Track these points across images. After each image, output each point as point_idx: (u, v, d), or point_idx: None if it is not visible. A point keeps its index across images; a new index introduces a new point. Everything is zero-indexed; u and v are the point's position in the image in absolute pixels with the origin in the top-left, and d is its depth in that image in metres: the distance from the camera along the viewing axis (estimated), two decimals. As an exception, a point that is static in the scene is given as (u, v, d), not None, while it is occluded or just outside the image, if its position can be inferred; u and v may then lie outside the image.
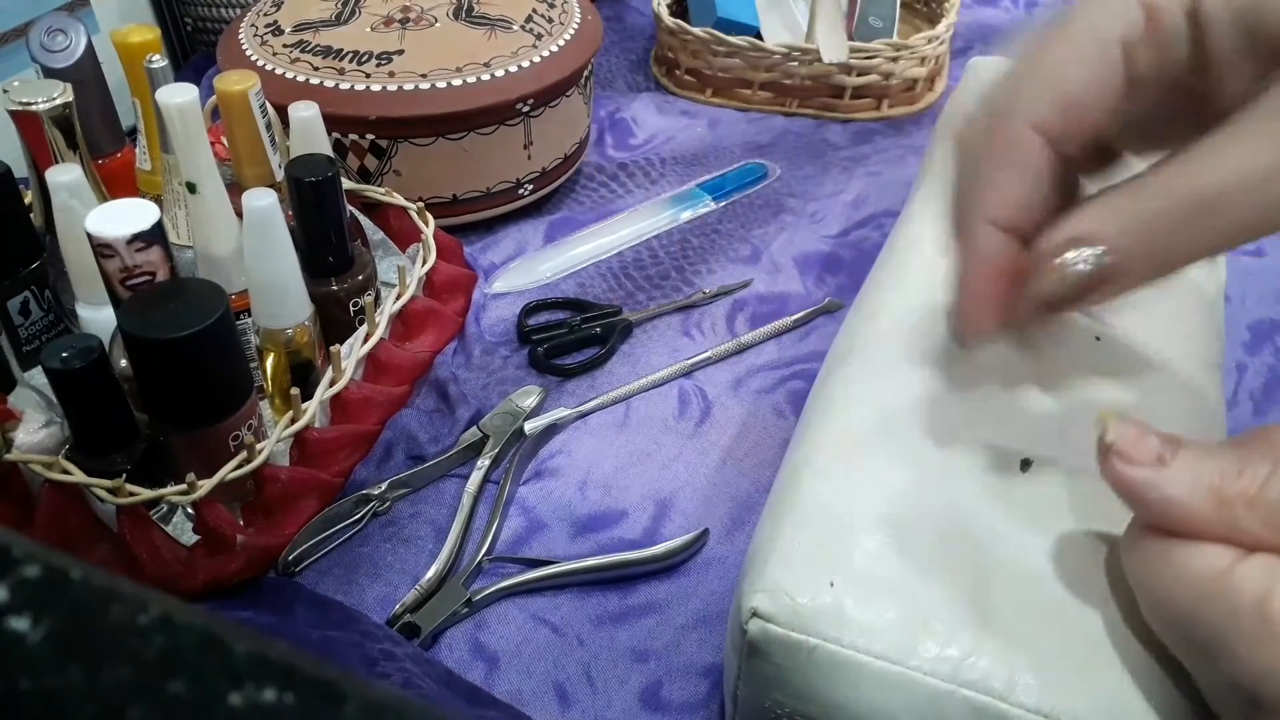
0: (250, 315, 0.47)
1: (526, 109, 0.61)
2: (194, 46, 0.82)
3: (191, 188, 0.44)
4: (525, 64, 0.60)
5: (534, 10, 0.65)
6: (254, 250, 0.44)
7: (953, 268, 0.32)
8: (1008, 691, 0.28)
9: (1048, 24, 0.29)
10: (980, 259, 0.30)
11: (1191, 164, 0.26)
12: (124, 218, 0.38)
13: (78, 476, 0.39)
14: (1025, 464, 0.33)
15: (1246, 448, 0.25)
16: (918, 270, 0.43)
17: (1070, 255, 0.27)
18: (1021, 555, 0.31)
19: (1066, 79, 0.28)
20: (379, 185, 0.60)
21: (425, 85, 0.58)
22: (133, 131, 0.54)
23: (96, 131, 0.54)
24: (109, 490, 0.39)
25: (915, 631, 0.29)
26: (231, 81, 0.47)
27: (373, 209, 0.59)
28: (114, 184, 0.51)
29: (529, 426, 0.50)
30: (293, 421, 0.44)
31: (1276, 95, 0.25)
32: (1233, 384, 0.53)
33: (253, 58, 0.61)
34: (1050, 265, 0.27)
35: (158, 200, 0.45)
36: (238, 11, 0.76)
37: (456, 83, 0.59)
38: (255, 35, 0.63)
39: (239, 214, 0.44)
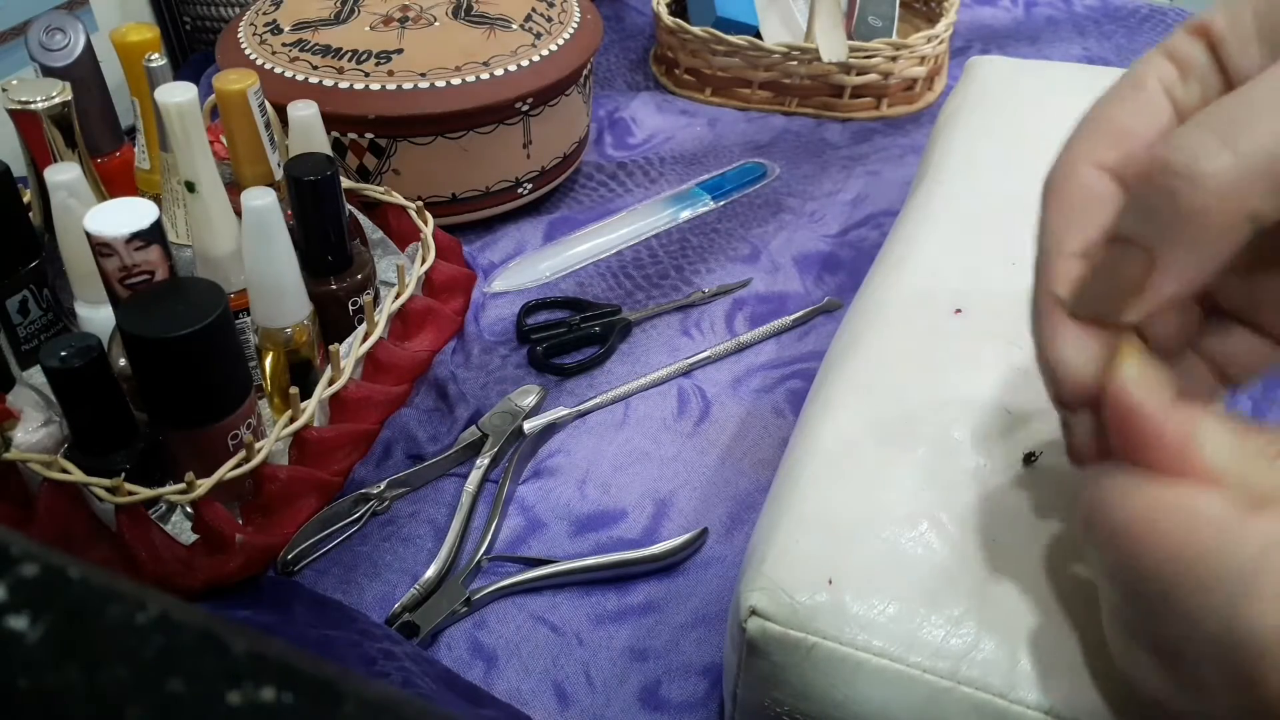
0: (249, 314, 0.47)
1: (526, 108, 0.61)
2: (193, 45, 0.82)
3: (190, 187, 0.44)
4: (524, 63, 0.60)
5: (533, 9, 0.65)
6: (253, 249, 0.44)
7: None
8: (1007, 688, 0.28)
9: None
10: (1062, 290, 0.27)
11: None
12: (123, 217, 0.38)
13: (76, 475, 0.39)
14: (1029, 458, 0.33)
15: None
16: (917, 269, 0.43)
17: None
18: (1021, 552, 0.31)
19: (1115, 118, 0.27)
20: (378, 184, 0.60)
21: (424, 84, 0.58)
22: (131, 130, 0.54)
23: (95, 130, 0.54)
24: (108, 489, 0.39)
25: (914, 629, 0.29)
26: (230, 80, 0.47)
27: (372, 208, 0.59)
28: (113, 183, 0.51)
29: (528, 426, 0.50)
30: (291, 421, 0.44)
31: None
32: (1232, 383, 0.53)
33: (252, 57, 0.61)
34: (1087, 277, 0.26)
35: (157, 199, 0.45)
36: (237, 10, 0.76)
37: (456, 82, 0.59)
38: (254, 34, 0.62)
39: (238, 213, 0.44)
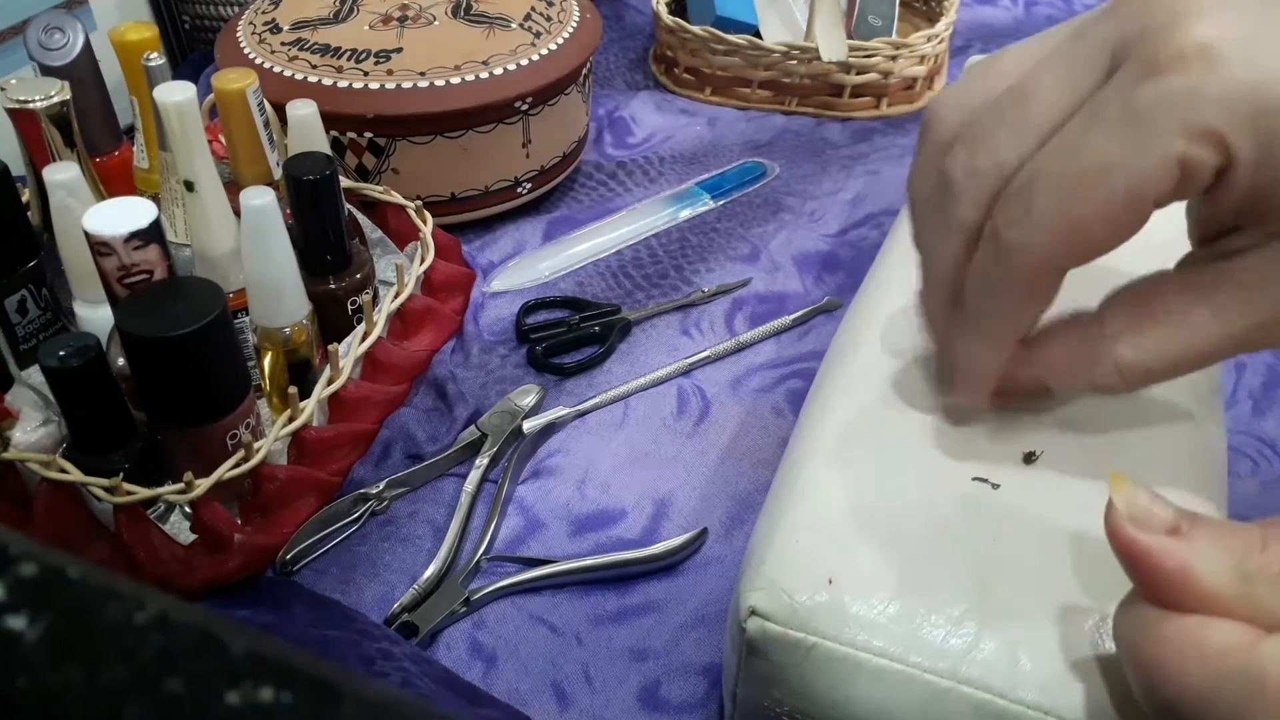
0: (248, 314, 0.47)
1: (525, 107, 0.61)
2: (192, 44, 0.82)
3: (189, 186, 0.44)
4: (524, 62, 0.60)
5: (533, 8, 0.65)
6: (252, 249, 0.44)
7: (939, 339, 0.35)
8: (1008, 688, 0.28)
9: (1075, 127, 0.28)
10: (993, 365, 0.32)
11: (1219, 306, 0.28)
12: (121, 216, 0.38)
13: (75, 475, 0.39)
14: (1029, 457, 0.33)
15: (1267, 528, 0.24)
16: (917, 269, 0.43)
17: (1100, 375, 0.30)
18: (1022, 551, 0.31)
19: (1092, 238, 0.27)
20: (377, 183, 0.60)
21: (423, 83, 0.58)
22: (130, 130, 0.54)
23: (94, 130, 0.54)
24: (106, 489, 0.39)
25: (914, 628, 0.29)
26: (229, 80, 0.47)
27: (371, 207, 0.59)
28: (112, 182, 0.51)
29: (527, 425, 0.50)
30: (290, 420, 0.44)
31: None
32: (1232, 382, 0.53)
33: (251, 56, 0.61)
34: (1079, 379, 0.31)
35: (155, 199, 0.45)
36: (236, 9, 0.76)
37: (455, 81, 0.58)
38: (253, 33, 0.62)
39: (237, 212, 0.44)
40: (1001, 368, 0.32)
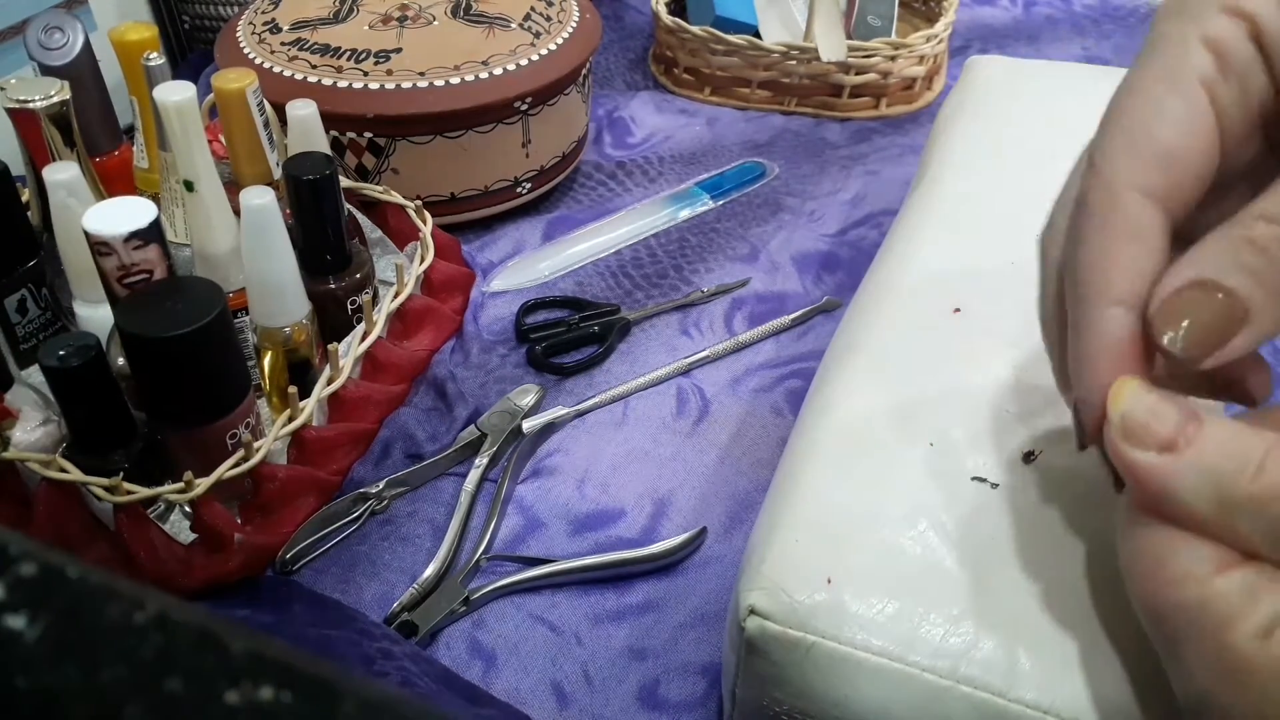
0: (248, 313, 0.47)
1: (525, 107, 0.61)
2: (191, 44, 0.82)
3: (189, 186, 0.44)
4: (523, 62, 0.60)
5: (532, 8, 0.65)
6: (252, 248, 0.44)
7: (1069, 362, 0.27)
8: (1007, 687, 0.28)
9: (1121, 85, 0.27)
10: (1112, 345, 0.26)
11: None
12: (121, 216, 0.38)
13: (75, 475, 0.39)
14: (1028, 457, 0.33)
15: (1272, 449, 0.23)
16: (916, 269, 0.43)
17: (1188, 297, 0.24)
18: (1021, 550, 0.31)
19: (1159, 135, 0.25)
20: (377, 183, 0.60)
21: (423, 83, 0.58)
22: (130, 129, 0.54)
23: (94, 129, 0.54)
24: (106, 489, 0.39)
25: (913, 628, 0.29)
26: (229, 79, 0.47)
27: (371, 207, 0.59)
28: (111, 182, 0.51)
29: (527, 425, 0.50)
30: (290, 420, 0.44)
31: None
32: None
33: (250, 56, 0.61)
34: (1168, 315, 0.24)
35: (155, 198, 0.45)
36: (235, 9, 0.76)
37: (455, 81, 0.58)
38: (253, 33, 0.62)
39: (237, 212, 0.44)
40: (1129, 345, 0.26)
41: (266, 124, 0.49)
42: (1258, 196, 0.24)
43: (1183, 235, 0.27)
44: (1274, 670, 0.21)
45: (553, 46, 0.62)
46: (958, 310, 0.40)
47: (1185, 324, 0.24)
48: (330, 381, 0.46)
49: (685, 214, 0.67)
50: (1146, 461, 0.24)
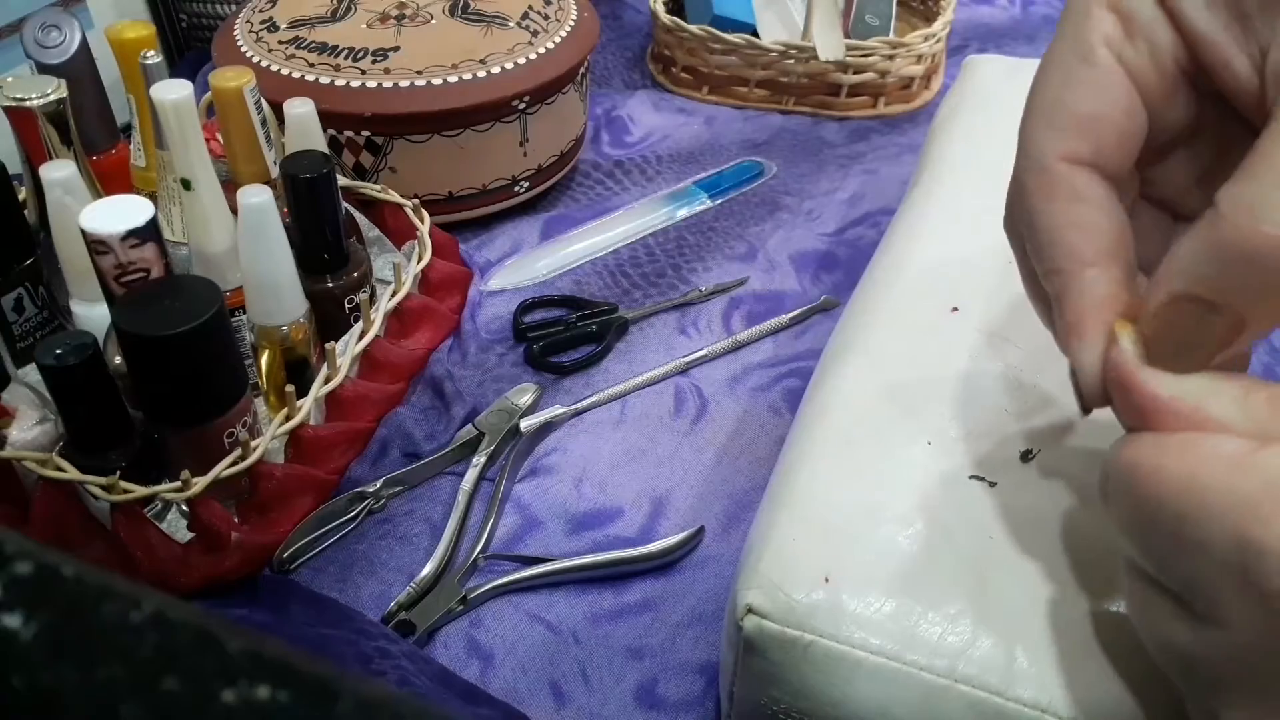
0: (245, 312, 0.47)
1: (522, 106, 0.61)
2: (189, 43, 0.81)
3: (186, 184, 0.44)
4: (521, 61, 0.60)
5: (530, 7, 0.65)
6: (249, 247, 0.44)
7: (1057, 338, 0.28)
8: (1004, 686, 0.28)
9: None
10: (1093, 306, 0.26)
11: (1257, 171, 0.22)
12: (118, 214, 0.38)
13: (72, 474, 0.39)
14: (1026, 455, 0.33)
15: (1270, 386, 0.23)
16: (914, 268, 0.43)
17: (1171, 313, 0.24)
18: (1018, 549, 0.31)
19: (1074, 105, 0.26)
20: (374, 182, 0.60)
21: (421, 82, 0.58)
22: (127, 128, 0.54)
23: (91, 128, 0.54)
24: (103, 487, 0.39)
25: (911, 626, 0.29)
26: (227, 78, 0.47)
27: (368, 206, 0.59)
28: (109, 180, 0.51)
29: (524, 424, 0.50)
30: (288, 419, 0.44)
31: None
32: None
33: (248, 54, 0.60)
34: (1157, 328, 0.24)
35: (153, 197, 0.45)
36: (233, 8, 0.76)
37: (452, 79, 0.58)
38: (250, 31, 0.62)
39: (234, 211, 0.44)
40: (1113, 301, 0.26)
41: (264, 122, 0.49)
42: (1230, 178, 0.23)
43: (1151, 195, 0.28)
44: None
45: (550, 45, 0.62)
46: (956, 309, 0.40)
47: (1177, 342, 0.24)
48: (328, 380, 0.46)
49: (683, 213, 0.66)
50: (1167, 381, 0.23)
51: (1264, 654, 0.22)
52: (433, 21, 0.63)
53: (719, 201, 0.68)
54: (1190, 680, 0.24)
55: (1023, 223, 0.27)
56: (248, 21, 0.64)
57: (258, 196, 0.43)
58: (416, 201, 0.57)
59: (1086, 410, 0.27)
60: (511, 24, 0.63)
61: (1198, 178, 0.29)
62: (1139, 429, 0.24)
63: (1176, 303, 0.24)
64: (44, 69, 0.52)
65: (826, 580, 0.30)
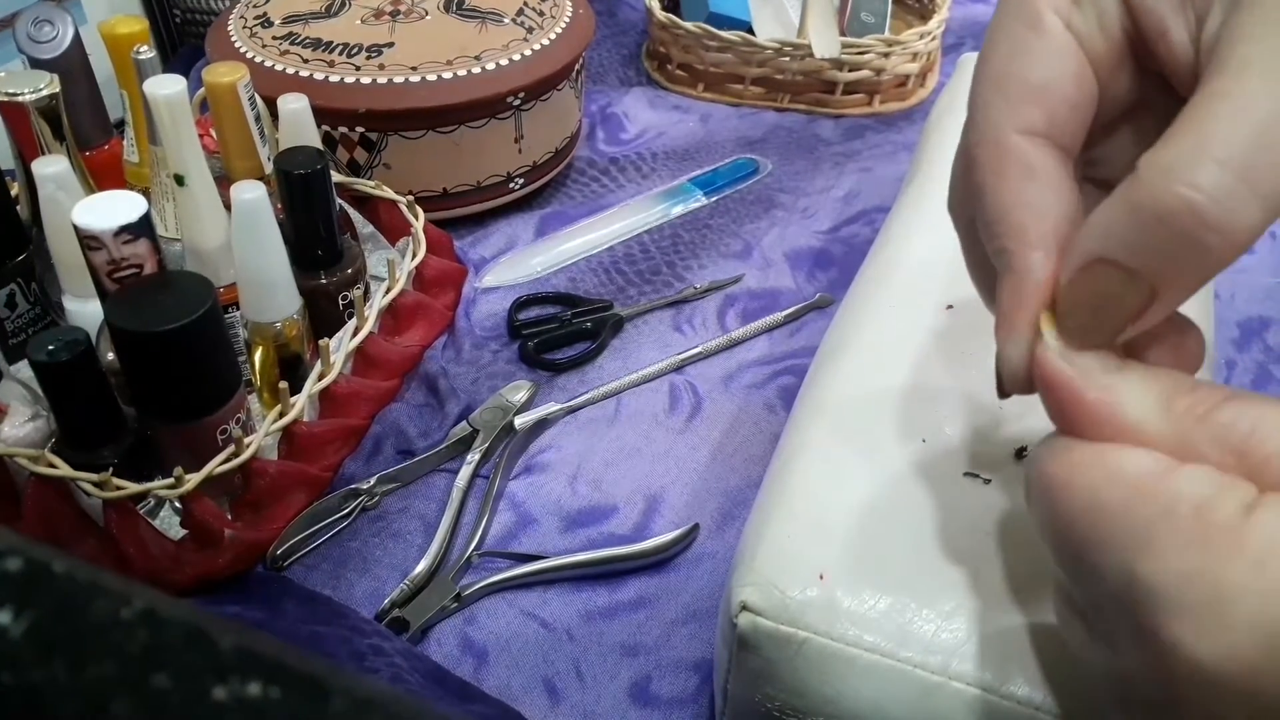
0: (239, 308, 0.46)
1: (517, 102, 0.61)
2: (182, 38, 0.81)
3: (180, 180, 0.44)
4: (516, 57, 0.60)
5: (525, 3, 0.65)
6: (242, 243, 0.44)
7: (995, 315, 0.27)
8: (999, 683, 0.28)
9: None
10: (1033, 290, 0.25)
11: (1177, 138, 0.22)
12: (111, 210, 0.38)
13: (64, 470, 0.39)
14: (1020, 452, 0.33)
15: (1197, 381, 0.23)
16: (909, 265, 0.43)
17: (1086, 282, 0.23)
18: (1013, 546, 0.31)
19: (1025, 74, 0.25)
20: (369, 178, 0.59)
21: (415, 78, 0.58)
22: (120, 123, 0.54)
23: (84, 123, 0.54)
24: (95, 484, 0.39)
25: (905, 623, 0.29)
26: (220, 73, 0.47)
27: (362, 202, 0.58)
28: (101, 176, 0.51)
29: (519, 421, 0.50)
30: (281, 415, 0.44)
31: (1245, 42, 0.22)
32: (1222, 381, 0.53)
33: (242, 50, 0.60)
34: (1071, 295, 0.24)
35: (146, 193, 0.45)
36: (227, 3, 0.75)
37: (447, 76, 0.58)
38: (244, 27, 0.62)
39: (228, 207, 0.44)
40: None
41: (258, 118, 0.49)
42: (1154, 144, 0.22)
43: (1094, 176, 0.27)
44: (1265, 543, 0.20)
45: (545, 42, 0.62)
46: (950, 307, 0.40)
47: (1090, 310, 0.24)
48: (321, 377, 0.46)
49: (678, 210, 0.66)
50: (1089, 374, 0.23)
51: (1150, 685, 0.22)
52: (427, 17, 0.62)
53: (714, 199, 0.68)
54: (1095, 693, 0.24)
55: (971, 199, 0.27)
56: (242, 17, 0.63)
57: (251, 192, 0.43)
58: (411, 198, 0.57)
59: (1003, 394, 0.27)
60: (506, 20, 0.63)
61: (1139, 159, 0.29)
62: (1060, 428, 0.24)
63: (1091, 268, 0.23)
64: (36, 64, 0.51)
65: (821, 577, 0.30)
